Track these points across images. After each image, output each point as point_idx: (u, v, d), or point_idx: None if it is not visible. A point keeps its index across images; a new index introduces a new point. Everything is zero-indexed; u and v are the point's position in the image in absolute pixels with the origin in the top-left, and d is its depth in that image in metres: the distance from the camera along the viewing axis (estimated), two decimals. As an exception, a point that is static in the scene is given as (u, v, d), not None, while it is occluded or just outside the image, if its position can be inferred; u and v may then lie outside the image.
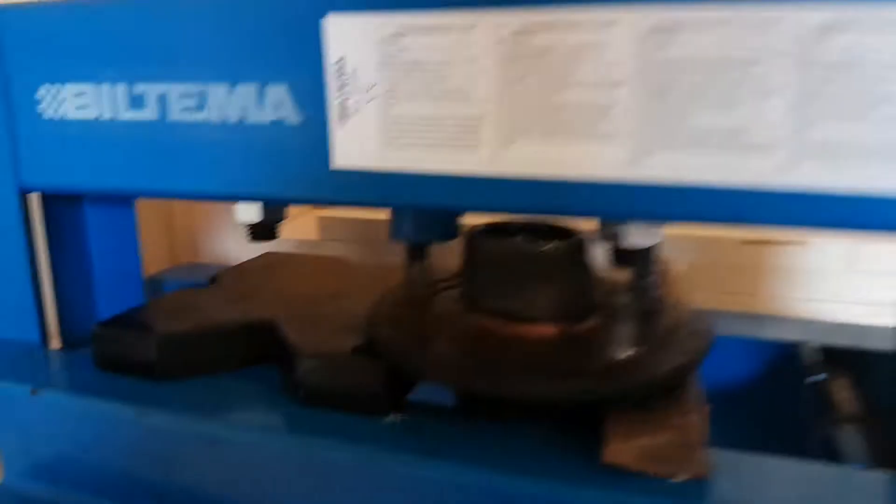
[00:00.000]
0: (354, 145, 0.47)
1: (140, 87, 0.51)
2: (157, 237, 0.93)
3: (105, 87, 0.52)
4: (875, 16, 0.37)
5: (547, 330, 0.49)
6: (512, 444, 0.45)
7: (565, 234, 0.51)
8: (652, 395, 0.44)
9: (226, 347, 0.55)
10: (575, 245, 0.49)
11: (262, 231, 0.58)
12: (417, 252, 0.55)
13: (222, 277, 0.67)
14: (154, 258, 0.91)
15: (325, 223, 0.92)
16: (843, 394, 0.53)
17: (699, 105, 0.40)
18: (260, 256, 0.74)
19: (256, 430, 0.48)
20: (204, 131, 0.50)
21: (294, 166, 0.49)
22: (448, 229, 0.53)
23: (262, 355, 0.55)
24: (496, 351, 0.47)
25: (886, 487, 0.41)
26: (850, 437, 0.47)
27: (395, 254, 0.58)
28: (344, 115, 0.47)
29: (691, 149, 0.41)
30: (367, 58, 0.45)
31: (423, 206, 0.49)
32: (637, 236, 0.49)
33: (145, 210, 0.78)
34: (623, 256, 0.52)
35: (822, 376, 0.55)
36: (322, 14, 0.45)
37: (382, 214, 0.92)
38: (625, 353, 0.44)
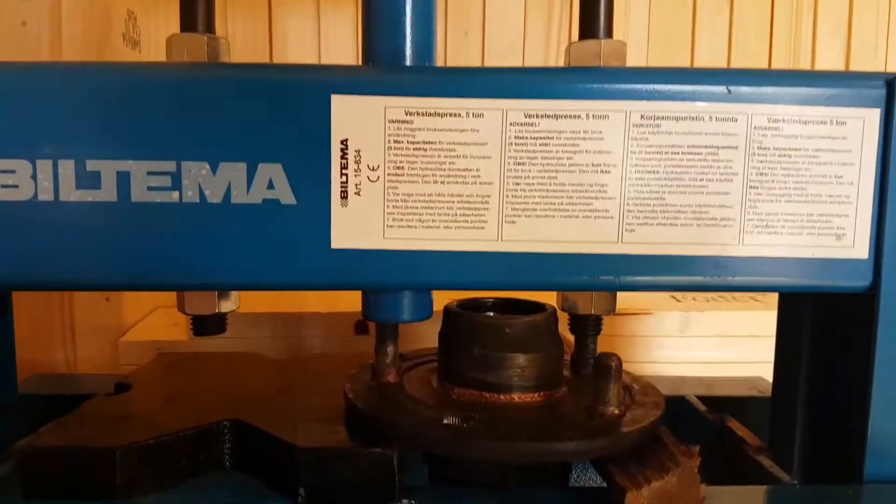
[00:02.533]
0: (356, 226, 0.48)
1: (94, 165, 0.47)
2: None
3: (44, 164, 0.47)
4: (804, 113, 0.48)
5: (535, 397, 0.52)
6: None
7: (534, 307, 0.55)
8: (641, 446, 0.49)
9: (190, 455, 0.49)
10: (551, 315, 0.54)
11: (214, 323, 0.54)
12: (390, 331, 0.55)
13: (132, 383, 0.60)
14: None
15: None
16: (743, 431, 0.63)
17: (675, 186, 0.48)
18: (157, 358, 0.67)
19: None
20: (177, 213, 0.47)
21: (288, 249, 0.48)
22: (423, 309, 0.54)
23: (218, 461, 0.51)
24: (501, 416, 0.49)
25: (821, 496, 0.50)
26: (771, 465, 0.57)
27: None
28: (346, 195, 0.47)
29: (667, 224, 0.49)
30: (374, 139, 0.47)
31: (425, 286, 0.51)
32: (593, 306, 0.55)
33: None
34: (578, 324, 0.58)
35: (724, 417, 0.64)
36: (325, 95, 0.46)
37: (255, 305, 0.90)
38: (612, 411, 0.49)
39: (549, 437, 0.46)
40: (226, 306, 0.54)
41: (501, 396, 0.52)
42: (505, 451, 0.45)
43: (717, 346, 0.92)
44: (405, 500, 0.47)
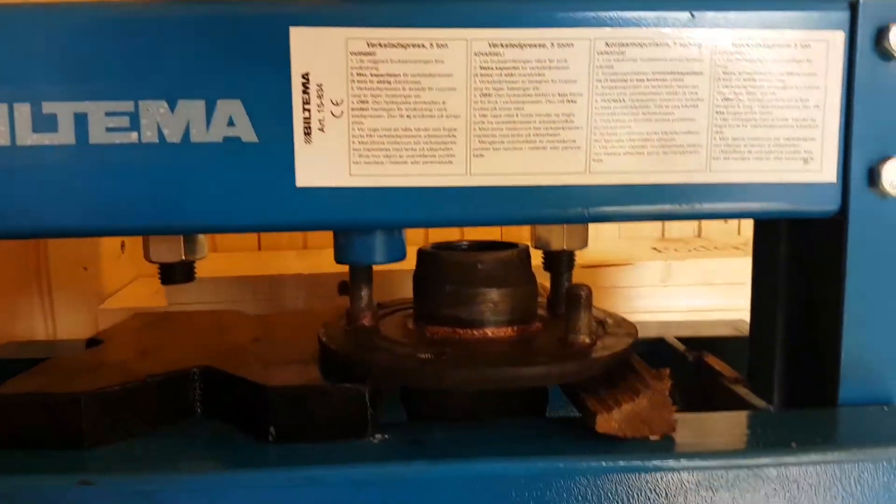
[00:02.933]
0: (321, 163, 0.47)
1: (50, 107, 0.46)
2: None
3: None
4: (768, 37, 0.48)
5: (508, 331, 0.52)
6: (499, 437, 0.46)
7: (507, 247, 0.55)
8: (612, 373, 0.49)
9: (158, 403, 0.49)
10: (523, 251, 0.53)
11: (181, 271, 0.53)
12: (363, 274, 0.54)
13: (105, 338, 0.59)
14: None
15: (172, 287, 0.85)
16: (721, 365, 0.63)
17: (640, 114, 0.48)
18: (132, 318, 0.67)
19: (254, 471, 0.43)
20: (136, 154, 0.46)
21: (252, 189, 0.47)
22: (396, 250, 0.54)
23: (188, 409, 0.51)
24: (475, 349, 0.49)
25: (795, 419, 0.51)
26: (747, 393, 0.57)
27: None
28: (309, 131, 0.47)
29: (634, 153, 0.48)
30: (336, 72, 0.46)
31: (393, 224, 0.50)
32: (565, 241, 0.55)
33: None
34: (552, 260, 0.58)
35: (702, 353, 0.65)
36: (283, 27, 0.45)
37: (236, 268, 0.90)
38: (582, 339, 0.49)
39: (520, 364, 0.46)
40: (193, 253, 0.53)
41: (475, 332, 0.51)
42: (475, 379, 0.45)
43: (699, 295, 0.92)
44: (378, 436, 0.46)
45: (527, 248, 0.55)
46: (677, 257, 0.93)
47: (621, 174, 0.48)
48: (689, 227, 1.09)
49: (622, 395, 0.46)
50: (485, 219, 0.50)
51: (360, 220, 0.49)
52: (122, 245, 0.95)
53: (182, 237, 0.52)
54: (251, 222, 0.48)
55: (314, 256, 1.00)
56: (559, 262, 0.57)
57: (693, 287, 0.93)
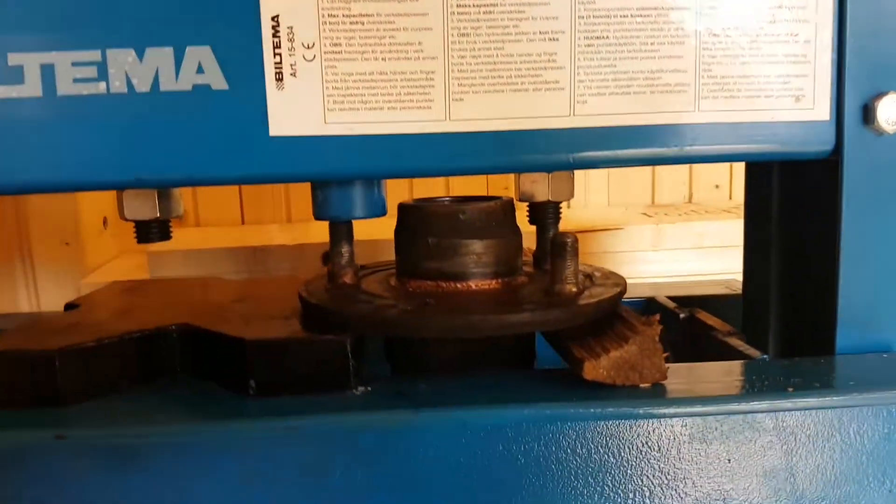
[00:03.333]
0: (295, 110, 0.45)
1: (16, 58, 0.44)
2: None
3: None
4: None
5: (492, 284, 0.51)
6: (485, 387, 0.45)
7: (492, 199, 0.53)
8: (600, 322, 0.48)
9: (136, 360, 0.47)
10: (507, 203, 0.52)
11: (157, 230, 0.52)
12: (343, 230, 0.53)
13: (82, 303, 0.58)
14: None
15: (155, 259, 0.84)
16: (713, 320, 0.62)
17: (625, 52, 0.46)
18: (111, 284, 0.65)
19: (233, 422, 0.42)
20: (105, 105, 0.45)
21: (224, 138, 0.45)
22: (376, 204, 0.52)
23: (167, 368, 0.49)
24: (458, 301, 0.48)
25: (791, 366, 0.49)
26: (742, 344, 0.56)
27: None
28: (281, 77, 0.45)
29: (619, 93, 0.47)
30: (307, 14, 0.44)
31: (371, 174, 0.49)
32: (550, 192, 0.53)
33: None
34: (537, 213, 0.56)
35: (693, 310, 0.63)
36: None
37: (219, 241, 0.88)
38: (569, 289, 0.48)
39: (504, 312, 0.44)
40: (168, 211, 0.52)
41: (458, 285, 0.50)
42: (459, 326, 0.44)
43: (691, 259, 0.90)
44: (361, 388, 0.45)
45: (511, 200, 0.53)
46: (668, 220, 0.91)
47: (607, 116, 0.47)
48: (680, 192, 1.08)
49: (610, 342, 0.45)
50: (465, 166, 0.48)
51: (336, 170, 0.47)
52: (105, 221, 0.94)
53: (156, 193, 0.50)
54: (224, 174, 0.47)
55: (298, 229, 0.99)
56: (544, 214, 0.55)
57: (684, 251, 0.91)
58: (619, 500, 0.43)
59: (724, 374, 0.49)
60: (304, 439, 0.41)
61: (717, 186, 1.06)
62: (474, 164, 0.48)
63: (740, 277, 0.69)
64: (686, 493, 0.44)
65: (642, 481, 0.44)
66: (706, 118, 0.47)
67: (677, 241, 0.90)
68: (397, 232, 0.53)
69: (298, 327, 0.48)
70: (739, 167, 1.09)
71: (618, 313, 0.48)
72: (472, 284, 0.50)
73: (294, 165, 0.47)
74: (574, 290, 0.48)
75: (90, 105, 0.45)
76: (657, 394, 0.44)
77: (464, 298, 0.48)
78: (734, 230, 0.90)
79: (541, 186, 0.53)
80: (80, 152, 0.45)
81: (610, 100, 0.47)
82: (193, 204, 1.05)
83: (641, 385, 0.45)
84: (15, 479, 0.41)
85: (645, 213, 0.97)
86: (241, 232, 0.99)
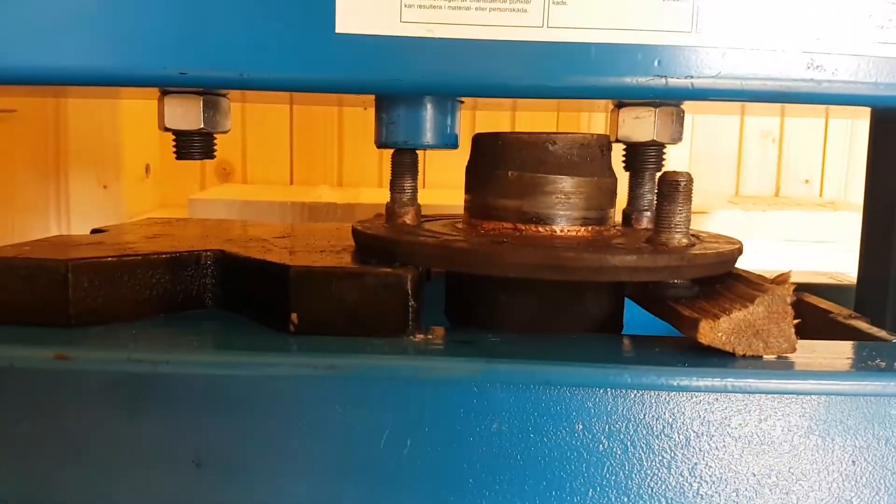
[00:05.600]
0: (366, 4, 0.38)
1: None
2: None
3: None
4: None
5: (581, 231, 0.43)
6: (570, 346, 0.37)
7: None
8: (714, 284, 0.40)
9: (161, 285, 0.41)
10: (605, 138, 0.44)
11: (200, 145, 0.45)
12: (408, 162, 0.46)
13: (111, 229, 0.52)
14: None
15: (196, 208, 0.78)
16: (826, 303, 0.53)
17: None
18: (146, 219, 0.59)
19: (268, 356, 0.35)
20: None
21: (282, 32, 0.39)
22: (448, 133, 0.45)
23: (196, 297, 0.42)
24: (540, 243, 0.40)
25: None
26: (867, 326, 0.47)
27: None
28: (354, -41, 0.38)
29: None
30: None
31: (450, 86, 0.41)
32: (655, 130, 0.45)
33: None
34: (635, 156, 0.48)
35: (800, 294, 0.55)
36: None
37: (263, 195, 0.82)
38: (678, 240, 0.40)
39: (603, 251, 0.37)
40: (213, 124, 0.45)
41: (540, 228, 0.42)
42: (547, 263, 0.36)
43: (780, 255, 0.81)
44: (420, 335, 0.38)
45: (608, 136, 0.45)
46: (758, 208, 0.82)
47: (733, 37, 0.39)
48: (767, 184, 0.99)
49: (730, 302, 0.37)
50: (563, 86, 0.40)
51: (409, 79, 0.40)
52: (147, 168, 0.89)
53: (202, 101, 0.44)
54: (279, 75, 0.40)
55: (349, 193, 0.92)
56: (644, 159, 0.47)
57: (773, 245, 0.82)
58: (717, 492, 0.35)
59: (860, 352, 0.40)
60: (349, 384, 0.34)
61: (806, 181, 0.97)
62: (573, 83, 0.40)
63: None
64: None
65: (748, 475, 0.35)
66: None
67: (767, 231, 0.81)
68: (470, 167, 0.46)
69: (350, 260, 0.40)
70: (832, 158, 1.00)
71: (735, 274, 0.40)
72: (557, 229, 0.42)
73: (360, 69, 0.39)
74: (685, 241, 0.39)
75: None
76: (788, 367, 0.36)
77: (546, 243, 0.41)
78: (830, 224, 0.80)
79: (644, 125, 0.45)
80: (124, 38, 0.39)
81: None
82: (242, 159, 0.99)
83: (765, 356, 0.36)
84: (5, 405, 0.34)
85: (731, 202, 0.88)
86: (290, 191, 0.93)
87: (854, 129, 0.94)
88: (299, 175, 0.98)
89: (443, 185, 0.97)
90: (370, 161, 0.97)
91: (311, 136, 0.97)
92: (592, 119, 0.93)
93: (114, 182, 0.81)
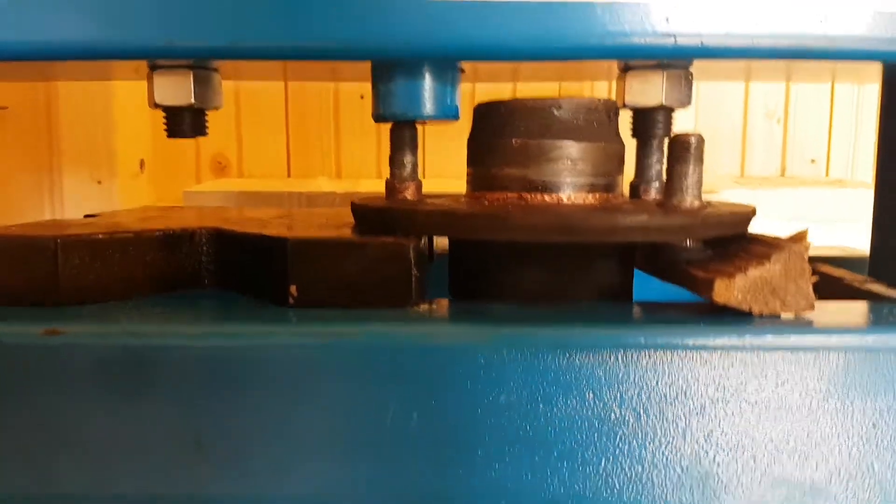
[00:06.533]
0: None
1: None
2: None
3: None
4: None
5: (588, 199, 0.41)
6: (582, 313, 0.36)
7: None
8: (727, 246, 0.39)
9: (154, 262, 0.39)
10: (612, 103, 0.43)
11: (191, 120, 0.44)
12: (407, 135, 0.44)
13: (104, 214, 0.50)
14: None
15: (191, 200, 0.77)
16: (840, 271, 0.52)
17: None
18: (141, 207, 0.58)
19: (267, 326, 0.34)
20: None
21: (272, -8, 0.37)
22: (448, 103, 0.44)
23: (191, 275, 0.41)
24: (547, 209, 0.39)
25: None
26: (886, 289, 0.46)
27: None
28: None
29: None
30: None
31: (450, 49, 0.39)
32: (664, 93, 0.44)
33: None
34: (642, 123, 0.47)
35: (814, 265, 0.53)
36: None
37: (258, 186, 0.81)
38: (691, 202, 0.38)
39: (614, 212, 0.35)
40: (205, 99, 0.44)
41: (546, 197, 0.41)
42: (556, 226, 0.34)
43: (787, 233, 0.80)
44: (424, 306, 0.36)
45: (615, 101, 0.44)
46: (764, 188, 0.81)
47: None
48: (772, 164, 0.97)
49: (745, 261, 0.35)
50: (566, 46, 0.39)
51: (404, 41, 0.38)
52: (142, 164, 0.87)
53: (192, 76, 0.43)
54: (272, 42, 0.39)
55: (347, 183, 0.91)
56: (653, 125, 0.46)
57: (781, 224, 0.81)
58: (734, 459, 0.34)
59: (881, 310, 0.39)
60: (352, 355, 0.33)
61: (812, 161, 0.95)
62: (579, 44, 0.39)
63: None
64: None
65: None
66: (872, -7, 0.38)
67: (774, 211, 0.79)
68: (472, 138, 0.44)
69: (350, 233, 0.39)
70: (838, 137, 0.98)
71: (749, 236, 0.39)
72: (564, 197, 0.41)
73: (356, 33, 0.38)
74: (697, 203, 0.38)
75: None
76: (807, 324, 0.35)
77: (568, 208, 0.39)
78: (842, 202, 0.79)
79: (652, 89, 0.44)
80: (101, 5, 0.38)
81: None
82: (238, 153, 0.98)
83: (783, 314, 0.35)
84: (-5, 384, 0.33)
85: (737, 183, 0.86)
86: (287, 183, 0.92)
87: (860, 107, 0.93)
88: (296, 167, 0.97)
89: (443, 174, 0.96)
90: (368, 152, 0.96)
91: (308, 127, 0.96)
92: (595, 88, 0.92)
93: (108, 178, 0.80)
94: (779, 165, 0.97)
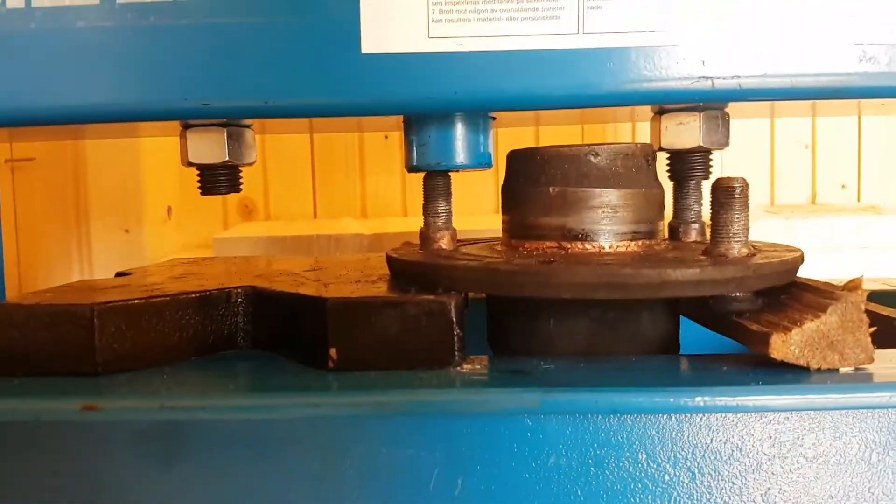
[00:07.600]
0: (393, 21, 0.37)
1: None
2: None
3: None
4: None
5: (630, 247, 0.40)
6: (630, 371, 0.35)
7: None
8: (778, 295, 0.37)
9: (191, 326, 0.39)
10: (649, 148, 0.42)
11: (225, 178, 0.44)
12: (441, 184, 0.44)
13: (135, 272, 0.50)
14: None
15: (220, 247, 0.76)
16: (886, 309, 0.50)
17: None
18: (170, 260, 0.57)
19: (310, 396, 0.33)
20: (171, 16, 0.37)
21: (305, 55, 0.37)
22: (482, 152, 0.43)
23: (228, 338, 0.40)
24: (590, 260, 0.38)
25: None
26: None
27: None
28: (378, -23, 0.37)
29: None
30: None
31: (481, 102, 0.39)
32: (701, 135, 0.43)
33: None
34: (680, 165, 0.46)
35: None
36: None
37: (288, 230, 0.81)
38: (738, 249, 0.37)
39: (663, 266, 0.34)
40: (239, 156, 0.44)
41: (587, 246, 0.40)
42: (604, 282, 0.33)
43: (824, 266, 0.78)
44: (467, 365, 0.35)
45: (651, 145, 0.43)
46: (797, 216, 0.79)
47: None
48: (802, 192, 0.95)
49: (799, 313, 0.34)
50: (602, 94, 0.39)
51: (439, 96, 0.38)
52: (169, 210, 0.87)
53: (225, 133, 0.42)
54: (304, 100, 0.38)
55: (373, 223, 0.91)
56: (690, 167, 0.45)
57: (815, 255, 0.79)
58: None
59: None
60: (395, 422, 0.32)
61: (843, 186, 0.94)
62: (611, 90, 0.38)
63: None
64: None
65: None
66: None
67: (807, 240, 0.78)
68: (506, 185, 0.44)
69: (387, 289, 0.38)
70: (867, 159, 0.96)
71: (799, 283, 0.38)
72: (605, 245, 0.40)
73: (388, 89, 0.38)
74: (745, 251, 0.37)
75: (155, 13, 0.37)
76: (867, 379, 0.33)
77: (597, 261, 0.38)
78: (873, 229, 0.77)
79: (689, 131, 0.43)
80: (139, 73, 0.38)
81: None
82: (264, 196, 0.98)
83: (841, 369, 0.33)
84: (33, 461, 0.32)
85: (768, 212, 0.85)
86: (314, 224, 0.91)
87: (890, 126, 0.91)
88: (322, 208, 0.97)
89: (467, 211, 0.95)
90: (393, 190, 0.96)
91: (333, 168, 0.96)
92: (618, 130, 0.91)
93: (135, 226, 0.80)
94: (809, 192, 0.95)
